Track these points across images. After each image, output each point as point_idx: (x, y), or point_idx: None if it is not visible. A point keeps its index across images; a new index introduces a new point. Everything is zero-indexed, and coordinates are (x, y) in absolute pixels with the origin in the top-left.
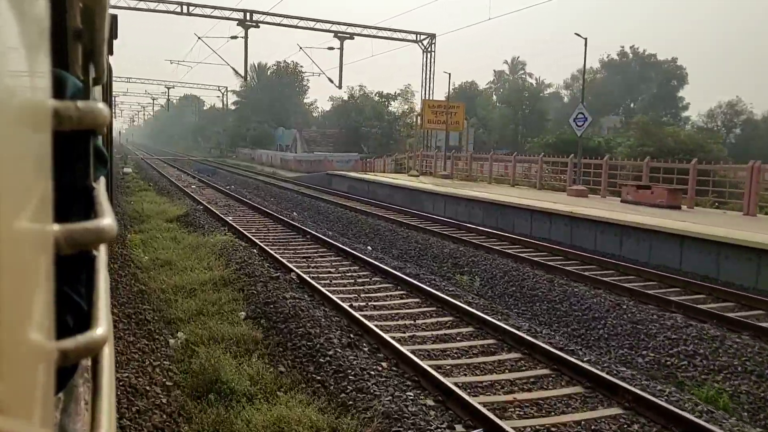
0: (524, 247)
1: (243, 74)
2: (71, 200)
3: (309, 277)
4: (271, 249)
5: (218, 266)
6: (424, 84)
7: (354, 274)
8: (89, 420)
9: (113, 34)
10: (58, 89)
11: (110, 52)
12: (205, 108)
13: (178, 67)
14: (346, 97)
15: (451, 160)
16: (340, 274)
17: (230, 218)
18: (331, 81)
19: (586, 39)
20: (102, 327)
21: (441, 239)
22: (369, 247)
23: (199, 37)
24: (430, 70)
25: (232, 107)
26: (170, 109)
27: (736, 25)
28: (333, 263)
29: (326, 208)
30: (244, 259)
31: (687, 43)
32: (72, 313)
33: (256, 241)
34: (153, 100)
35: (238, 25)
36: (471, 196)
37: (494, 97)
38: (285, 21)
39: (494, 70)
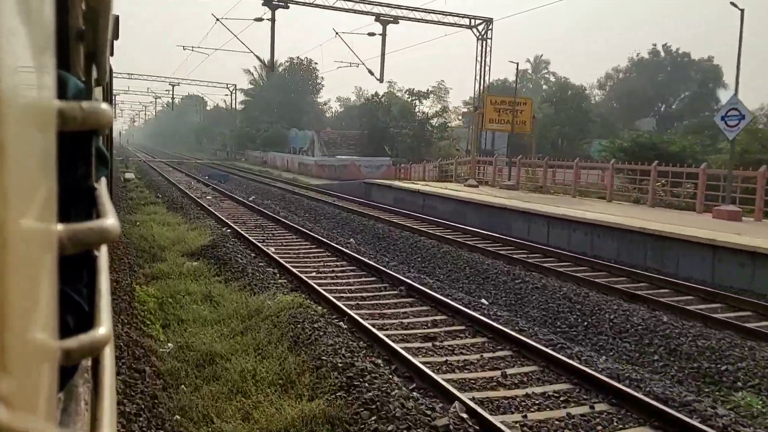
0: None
1: (269, 62)
2: (74, 200)
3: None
4: (377, 329)
5: (303, 377)
6: (478, 76)
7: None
8: (89, 420)
9: (115, 34)
10: (60, 90)
11: (111, 53)
12: (208, 108)
13: (188, 58)
14: (367, 95)
15: (517, 168)
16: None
17: (274, 250)
18: (372, 73)
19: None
20: (104, 327)
21: (598, 291)
22: (495, 308)
23: (217, 19)
24: (483, 62)
25: (241, 107)
26: (173, 109)
27: None
28: (488, 359)
29: (389, 232)
30: (339, 354)
31: (720, 41)
32: (73, 313)
33: (339, 304)
34: (156, 99)
35: (263, 4)
36: (588, 219)
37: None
38: (319, 0)
39: (517, 68)
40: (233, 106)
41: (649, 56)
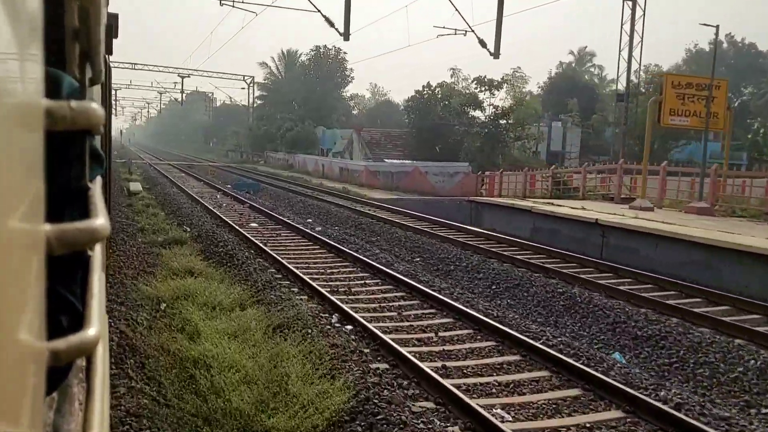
0: None
1: (343, 30)
2: (66, 201)
3: None
4: None
5: None
6: (630, 50)
7: None
8: (83, 420)
9: (113, 33)
10: (54, 89)
11: (109, 51)
12: (215, 105)
13: (199, 46)
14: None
15: (711, 181)
16: None
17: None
18: (484, 45)
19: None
20: (95, 327)
21: None
22: None
23: None
24: (633, 30)
25: (258, 103)
26: (182, 103)
27: None
28: None
29: (610, 308)
30: None
31: None
32: (66, 314)
33: None
34: (161, 93)
35: None
36: None
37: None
38: None
39: (560, 61)
40: (250, 101)
41: (708, 46)
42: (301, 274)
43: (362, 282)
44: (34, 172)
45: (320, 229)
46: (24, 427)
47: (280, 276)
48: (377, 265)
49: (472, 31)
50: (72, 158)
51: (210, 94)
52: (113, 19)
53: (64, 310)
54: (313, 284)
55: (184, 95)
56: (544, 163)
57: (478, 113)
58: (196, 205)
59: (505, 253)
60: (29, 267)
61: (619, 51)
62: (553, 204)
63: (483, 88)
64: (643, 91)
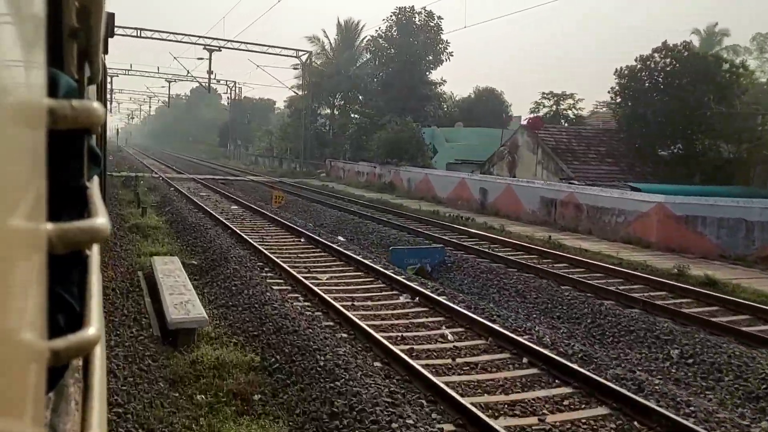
0: None
1: None
2: (65, 199)
3: None
4: None
5: None
6: None
7: None
8: (80, 420)
9: (109, 32)
10: (52, 88)
11: (105, 50)
12: (223, 102)
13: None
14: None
15: None
16: None
17: None
18: None
19: None
20: (94, 327)
21: None
22: None
23: None
24: None
25: (290, 96)
26: (186, 100)
27: None
28: None
29: None
30: None
31: None
32: (64, 313)
33: None
34: (170, 82)
35: None
36: None
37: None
38: None
39: (671, 44)
40: (305, 81)
41: None
42: None
43: None
44: (37, 171)
45: None
46: (26, 426)
47: None
48: None
49: None
50: (71, 157)
51: (231, 84)
52: (110, 18)
53: (61, 310)
54: None
55: (211, 79)
56: None
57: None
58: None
59: None
60: (31, 266)
61: None
62: None
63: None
64: None
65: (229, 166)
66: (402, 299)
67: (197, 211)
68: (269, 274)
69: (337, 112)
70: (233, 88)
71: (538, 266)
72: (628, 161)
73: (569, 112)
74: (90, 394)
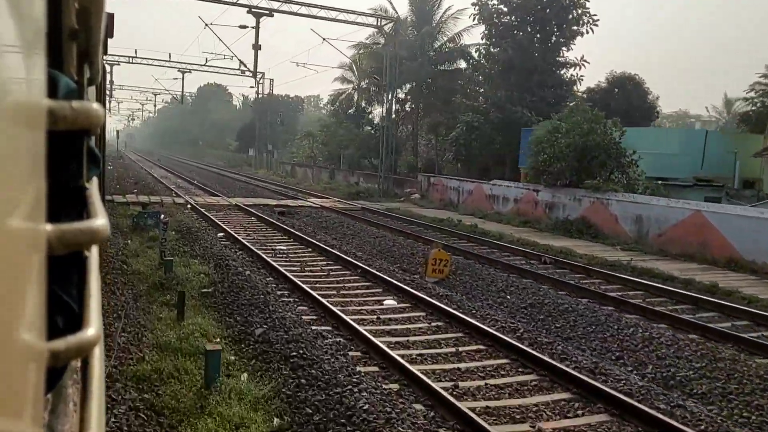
0: None
1: None
2: (64, 200)
3: None
4: None
5: None
6: None
7: None
8: (78, 421)
9: (109, 33)
10: (51, 89)
11: (104, 51)
12: (232, 102)
13: None
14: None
15: None
16: None
17: None
18: None
19: None
20: (93, 328)
21: None
22: None
23: None
24: None
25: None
26: (192, 100)
27: None
28: None
29: None
30: None
31: None
32: (62, 314)
33: None
34: (183, 72)
35: None
36: None
37: None
38: None
39: None
40: (387, 62)
41: None
42: None
43: None
44: (37, 172)
45: None
46: (25, 427)
47: None
48: None
49: None
50: (70, 158)
51: (260, 75)
52: (109, 19)
53: (60, 311)
54: None
55: (257, 55)
56: None
57: None
58: None
59: None
60: (31, 267)
61: None
62: None
63: None
64: None
65: (260, 177)
66: None
67: (312, 312)
68: None
69: (407, 107)
70: (260, 82)
71: None
72: None
73: None
74: (88, 395)
